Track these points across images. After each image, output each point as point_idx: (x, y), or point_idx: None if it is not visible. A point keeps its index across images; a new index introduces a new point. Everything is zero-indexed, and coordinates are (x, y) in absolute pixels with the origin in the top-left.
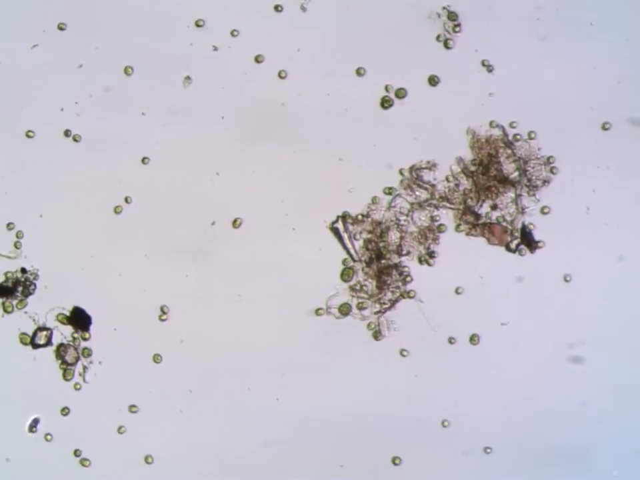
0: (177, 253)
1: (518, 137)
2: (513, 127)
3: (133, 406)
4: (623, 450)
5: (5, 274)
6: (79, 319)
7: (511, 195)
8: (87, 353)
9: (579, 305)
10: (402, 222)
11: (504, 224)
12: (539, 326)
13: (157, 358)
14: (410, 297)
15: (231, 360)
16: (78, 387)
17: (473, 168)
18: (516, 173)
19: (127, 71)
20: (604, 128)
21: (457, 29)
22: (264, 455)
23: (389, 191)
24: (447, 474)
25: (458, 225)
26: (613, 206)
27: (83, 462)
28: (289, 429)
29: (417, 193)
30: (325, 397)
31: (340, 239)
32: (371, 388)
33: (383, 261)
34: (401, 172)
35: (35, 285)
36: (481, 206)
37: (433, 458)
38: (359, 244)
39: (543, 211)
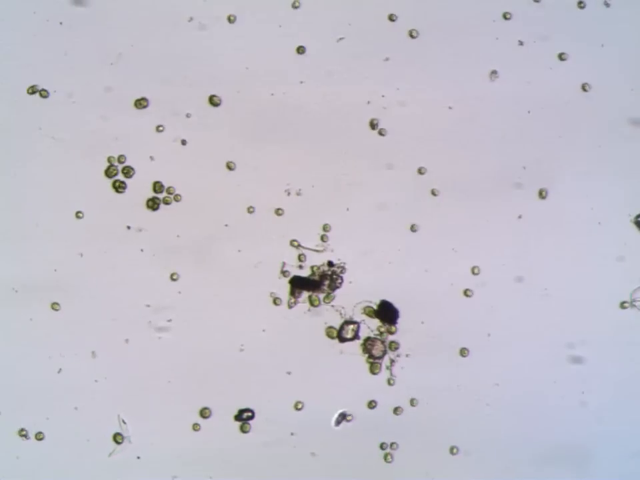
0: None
1: None
2: None
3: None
4: (622, 450)
5: (312, 267)
6: (387, 313)
7: None
8: (394, 346)
9: (579, 305)
10: None
11: None
12: (539, 326)
13: (463, 352)
14: None
15: None
16: (392, 382)
17: None
18: None
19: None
20: None
21: None
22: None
23: None
24: (447, 473)
25: None
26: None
27: (386, 456)
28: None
29: None
30: None
31: None
32: None
33: None
34: None
35: (341, 279)
36: None
37: (432, 457)
38: None
39: None
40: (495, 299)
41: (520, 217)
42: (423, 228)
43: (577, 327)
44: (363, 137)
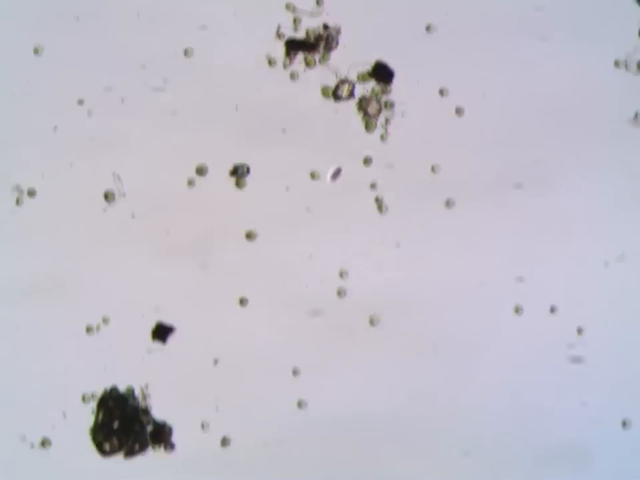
0: None
1: None
2: None
3: None
4: (622, 449)
5: (307, 30)
6: (382, 73)
7: None
8: (389, 104)
9: (579, 304)
10: None
11: None
12: (539, 325)
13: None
14: None
15: None
16: (383, 137)
17: None
18: None
19: None
20: None
21: None
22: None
23: None
24: (447, 474)
25: None
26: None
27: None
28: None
29: None
30: None
31: None
32: None
33: None
34: None
35: (336, 41)
36: None
37: (432, 457)
38: None
39: None
40: (494, 298)
41: (520, 216)
42: (424, 227)
43: (578, 326)
44: (363, 136)
